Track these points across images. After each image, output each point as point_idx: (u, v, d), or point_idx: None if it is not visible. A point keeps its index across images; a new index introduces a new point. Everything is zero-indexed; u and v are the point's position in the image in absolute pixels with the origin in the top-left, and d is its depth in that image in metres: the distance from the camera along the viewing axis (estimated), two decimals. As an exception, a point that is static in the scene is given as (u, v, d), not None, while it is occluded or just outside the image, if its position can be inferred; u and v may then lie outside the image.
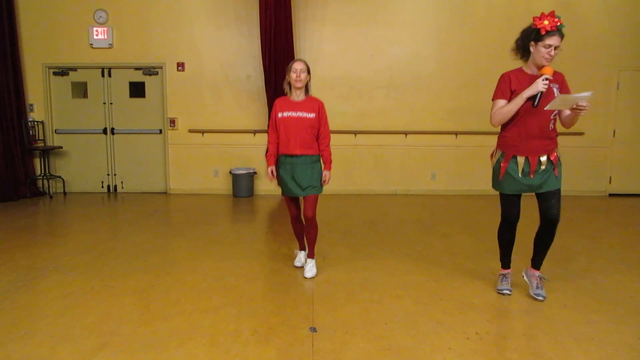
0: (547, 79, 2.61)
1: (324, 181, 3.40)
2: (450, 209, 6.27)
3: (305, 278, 3.40)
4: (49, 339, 2.42)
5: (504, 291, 3.04)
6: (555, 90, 2.74)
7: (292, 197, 3.43)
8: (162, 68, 7.22)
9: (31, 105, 7.22)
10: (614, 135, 7.46)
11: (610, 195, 7.56)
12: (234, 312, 2.81)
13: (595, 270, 3.64)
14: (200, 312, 2.80)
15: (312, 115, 3.29)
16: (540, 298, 2.97)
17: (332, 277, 3.44)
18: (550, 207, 2.88)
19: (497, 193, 3.16)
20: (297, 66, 3.26)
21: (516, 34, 2.93)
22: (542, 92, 2.61)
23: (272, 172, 3.38)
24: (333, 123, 7.49)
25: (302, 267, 3.59)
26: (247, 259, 3.91)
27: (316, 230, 3.46)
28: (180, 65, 7.21)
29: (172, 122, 7.29)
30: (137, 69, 7.27)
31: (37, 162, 7.23)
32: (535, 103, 2.63)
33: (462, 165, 7.34)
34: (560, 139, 7.55)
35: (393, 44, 7.16)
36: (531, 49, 2.73)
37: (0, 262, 3.72)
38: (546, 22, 2.66)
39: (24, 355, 2.26)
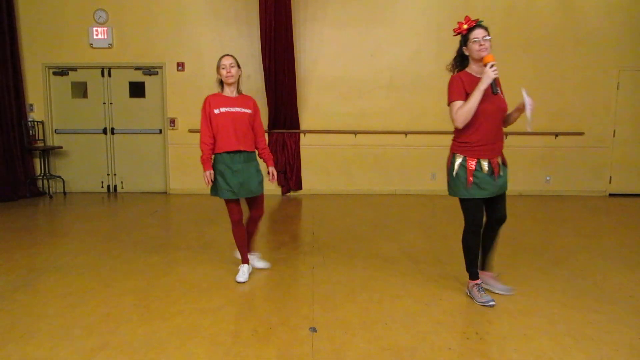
0: (493, 65, 2.69)
1: (272, 179, 3.38)
2: (450, 209, 6.27)
3: (257, 267, 3.55)
4: (49, 339, 2.42)
5: (490, 303, 2.87)
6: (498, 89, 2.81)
7: (234, 200, 3.22)
8: (162, 68, 7.22)
9: (31, 105, 7.22)
10: (614, 135, 7.46)
11: (610, 195, 7.56)
12: (234, 312, 2.81)
13: (595, 270, 3.64)
14: (200, 312, 2.80)
15: (248, 110, 3.23)
16: (510, 292, 3.05)
17: (332, 277, 3.44)
18: (502, 207, 2.95)
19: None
20: (225, 61, 3.14)
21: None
22: (496, 79, 2.69)
23: (210, 175, 3.15)
24: (333, 123, 7.57)
25: (244, 282, 3.31)
26: (247, 259, 3.91)
27: (258, 227, 3.51)
28: (180, 65, 7.21)
29: (172, 122, 7.29)
30: (137, 69, 7.27)
31: (37, 162, 7.23)
32: (495, 90, 2.71)
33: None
34: (560, 138, 7.60)
35: (393, 44, 7.16)
36: (466, 52, 2.86)
37: (0, 262, 3.72)
38: (465, 26, 2.88)
39: (24, 355, 2.26)
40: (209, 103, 3.17)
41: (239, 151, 3.17)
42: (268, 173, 3.39)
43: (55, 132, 7.33)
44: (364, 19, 7.17)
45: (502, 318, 2.74)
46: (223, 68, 3.14)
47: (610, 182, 7.57)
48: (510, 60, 7.21)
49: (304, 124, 7.35)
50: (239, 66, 3.22)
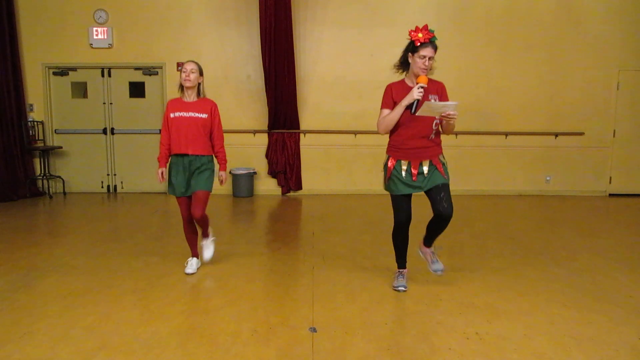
0: (421, 87, 2.80)
1: (221, 181, 3.46)
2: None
3: (205, 261, 3.57)
4: (49, 339, 2.42)
5: (399, 288, 3.12)
6: (432, 100, 2.91)
7: (183, 197, 3.39)
8: (162, 68, 7.22)
9: (31, 105, 7.22)
10: (614, 135, 7.46)
11: (610, 195, 7.56)
12: (234, 312, 2.81)
13: (595, 270, 3.64)
14: (200, 312, 2.80)
15: (204, 115, 3.33)
16: (439, 272, 3.13)
17: (332, 277, 3.44)
18: (440, 200, 2.93)
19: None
20: (187, 66, 3.31)
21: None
22: (418, 100, 2.78)
23: (161, 173, 3.39)
24: (333, 123, 7.56)
25: (192, 274, 3.46)
26: (247, 259, 3.91)
27: (207, 221, 3.50)
28: (180, 65, 7.16)
29: (172, 122, 7.28)
30: (137, 69, 7.27)
31: (37, 162, 7.23)
32: (412, 110, 2.81)
33: (461, 165, 7.33)
34: (560, 138, 7.60)
35: (393, 44, 7.11)
36: (409, 60, 2.96)
37: (0, 262, 3.72)
38: (420, 35, 2.86)
39: (24, 355, 2.26)
40: (167, 107, 3.39)
41: (187, 155, 3.30)
42: (219, 176, 3.48)
43: (55, 132, 7.33)
44: (364, 19, 7.16)
45: (502, 318, 2.74)
46: (183, 72, 3.29)
47: (610, 182, 7.56)
48: (511, 60, 7.21)
49: (304, 124, 7.35)
50: (201, 74, 3.39)
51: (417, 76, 2.88)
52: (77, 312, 2.78)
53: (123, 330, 2.53)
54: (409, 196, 3.03)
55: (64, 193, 7.29)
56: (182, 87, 3.37)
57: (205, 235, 3.59)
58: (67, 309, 2.82)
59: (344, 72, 7.25)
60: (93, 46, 7.09)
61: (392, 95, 2.95)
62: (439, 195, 2.92)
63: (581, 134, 7.38)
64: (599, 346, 2.39)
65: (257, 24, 6.87)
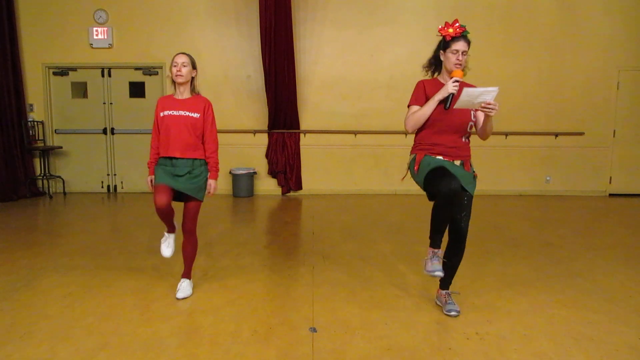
0: (456, 81, 2.63)
1: (209, 192, 3.03)
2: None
3: (177, 299, 3.00)
4: (49, 339, 2.42)
5: (436, 273, 2.65)
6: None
7: (165, 185, 2.89)
8: (162, 68, 7.22)
9: (31, 105, 7.22)
10: (614, 135, 7.46)
11: (610, 195, 7.56)
12: (234, 312, 2.81)
13: (595, 270, 3.64)
14: (200, 312, 2.80)
15: (195, 114, 2.94)
16: (454, 313, 2.78)
17: (332, 277, 3.44)
18: (460, 220, 2.73)
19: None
20: (178, 59, 2.91)
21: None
22: (453, 95, 2.60)
23: (151, 181, 3.02)
24: (333, 123, 7.57)
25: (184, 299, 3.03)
26: (246, 259, 3.91)
27: (195, 248, 3.12)
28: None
29: (172, 122, 7.28)
30: (137, 69, 7.27)
31: (37, 162, 7.23)
32: (447, 105, 2.63)
33: (462, 165, 7.34)
34: (560, 138, 7.60)
35: (393, 44, 7.15)
36: (441, 57, 2.77)
37: (0, 262, 3.72)
38: (450, 30, 2.69)
39: (24, 355, 2.26)
40: (157, 105, 3.02)
41: (176, 157, 2.93)
42: (208, 185, 3.06)
43: (55, 132, 7.33)
44: (364, 19, 7.16)
45: (502, 318, 2.74)
46: (174, 66, 2.91)
47: (610, 182, 7.57)
48: (510, 60, 7.21)
49: (304, 124, 7.35)
50: (194, 67, 2.99)
51: (450, 72, 2.69)
52: (77, 312, 2.78)
53: (123, 330, 2.53)
54: (448, 170, 2.59)
55: (64, 193, 7.29)
56: (174, 83, 2.99)
57: (187, 274, 3.17)
58: (67, 309, 2.82)
59: (344, 72, 7.25)
60: (93, 46, 7.09)
61: (424, 90, 2.73)
62: (461, 214, 2.70)
63: (581, 134, 7.38)
64: (599, 346, 2.39)
65: (257, 24, 6.87)
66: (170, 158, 2.94)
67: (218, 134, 3.14)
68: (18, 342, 2.39)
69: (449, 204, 2.53)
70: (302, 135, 7.35)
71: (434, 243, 2.71)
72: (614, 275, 3.54)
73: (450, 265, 2.83)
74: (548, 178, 7.50)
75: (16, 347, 2.34)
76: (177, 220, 3.17)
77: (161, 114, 2.97)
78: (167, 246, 3.20)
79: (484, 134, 2.76)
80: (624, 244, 4.53)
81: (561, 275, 3.51)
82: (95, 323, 2.62)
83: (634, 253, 4.18)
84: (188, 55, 2.98)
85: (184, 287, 3.08)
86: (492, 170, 7.43)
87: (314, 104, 7.32)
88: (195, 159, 2.97)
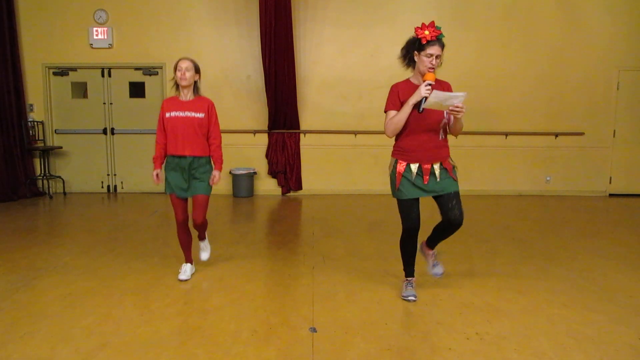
0: (429, 84, 2.69)
1: (212, 181, 3.26)
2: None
3: (202, 260, 3.59)
4: (49, 339, 2.42)
5: (409, 297, 2.99)
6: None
7: (179, 198, 3.27)
8: (162, 68, 7.22)
9: (31, 105, 7.22)
10: (614, 135, 7.46)
11: (610, 195, 7.56)
12: (234, 312, 2.81)
13: (596, 270, 3.64)
14: (200, 312, 2.80)
15: (200, 114, 3.19)
16: (438, 275, 3.12)
17: (332, 277, 3.44)
18: (452, 208, 2.86)
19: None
20: (182, 64, 3.15)
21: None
22: (425, 98, 2.67)
23: (157, 175, 3.25)
24: (333, 123, 7.56)
25: (186, 280, 3.37)
26: (247, 259, 3.91)
27: (206, 225, 3.49)
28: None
29: (172, 122, 7.28)
30: (137, 69, 7.27)
31: (37, 162, 7.22)
32: (420, 108, 2.70)
33: (461, 165, 7.29)
34: (560, 138, 7.59)
35: (393, 44, 7.10)
36: (415, 58, 2.84)
37: (0, 262, 3.72)
38: (427, 32, 2.74)
39: (24, 355, 2.26)
40: (163, 106, 3.25)
41: (184, 156, 3.18)
42: (212, 175, 3.29)
43: (55, 132, 7.33)
44: (364, 19, 7.16)
45: (502, 318, 2.74)
46: (178, 70, 3.15)
47: (610, 182, 7.56)
48: (510, 60, 7.21)
49: (304, 124, 7.35)
50: (197, 71, 3.22)
51: (423, 74, 2.77)
52: (77, 312, 2.78)
53: (123, 330, 2.53)
54: (418, 201, 2.90)
55: (64, 193, 7.29)
56: (177, 86, 3.24)
57: (202, 237, 3.59)
58: (67, 309, 2.82)
59: (344, 72, 7.25)
60: (93, 46, 7.09)
61: (398, 95, 2.84)
62: (451, 203, 2.85)
63: (581, 134, 7.38)
64: (599, 346, 2.39)
65: (257, 24, 6.87)
66: (179, 156, 3.19)
67: (219, 133, 3.31)
68: (18, 342, 2.39)
69: (410, 237, 2.96)
70: (302, 135, 7.35)
71: (408, 273, 3.09)
72: (614, 275, 3.54)
73: (443, 236, 3.04)
74: (548, 178, 7.50)
75: (16, 347, 2.34)
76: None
77: (167, 115, 3.20)
78: (202, 250, 3.64)
79: (454, 132, 2.90)
80: (624, 244, 4.52)
81: (561, 275, 3.51)
82: (95, 323, 2.63)
83: (634, 253, 4.18)
84: (191, 60, 3.19)
85: (204, 246, 3.62)
86: (492, 170, 7.43)
87: (314, 104, 7.32)
88: (202, 156, 3.23)
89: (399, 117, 2.78)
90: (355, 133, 7.34)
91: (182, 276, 3.38)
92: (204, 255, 3.61)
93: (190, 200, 3.31)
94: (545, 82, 7.29)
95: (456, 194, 2.88)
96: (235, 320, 2.69)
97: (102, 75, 7.28)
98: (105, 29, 7.05)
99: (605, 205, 6.86)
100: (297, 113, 7.22)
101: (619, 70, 7.31)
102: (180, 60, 3.17)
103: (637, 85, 7.36)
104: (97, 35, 7.04)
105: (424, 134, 2.81)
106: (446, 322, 2.68)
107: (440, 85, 2.86)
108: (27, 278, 3.36)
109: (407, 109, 2.75)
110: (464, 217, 2.88)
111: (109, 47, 7.12)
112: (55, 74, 7.24)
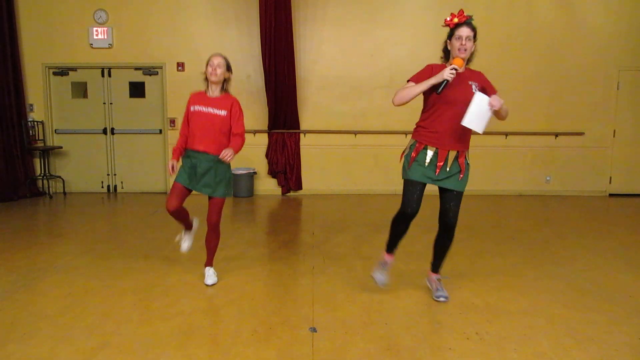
0: (454, 69, 2.63)
1: (223, 155, 3.04)
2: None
3: (207, 285, 3.24)
4: (49, 339, 2.42)
5: (377, 278, 3.02)
6: (474, 87, 2.74)
7: (182, 187, 3.14)
8: (162, 68, 7.22)
9: (31, 105, 7.22)
10: (614, 135, 7.46)
11: (610, 195, 7.56)
12: (234, 312, 2.81)
13: (596, 270, 3.64)
14: (200, 312, 2.80)
15: (223, 112, 3.13)
16: (442, 299, 2.98)
17: (332, 277, 3.44)
18: (448, 210, 2.89)
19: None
20: (214, 60, 3.11)
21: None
22: (447, 81, 2.62)
23: (172, 166, 3.15)
24: (333, 123, 7.56)
25: (213, 285, 3.28)
26: (247, 259, 3.91)
27: (218, 240, 3.31)
28: (180, 65, 7.21)
29: (172, 122, 7.28)
30: (137, 69, 7.27)
31: (37, 162, 7.22)
32: (439, 90, 2.66)
33: (462, 165, 7.34)
34: (560, 138, 7.59)
35: (393, 44, 7.15)
36: (448, 47, 2.82)
37: (0, 262, 3.72)
38: (456, 20, 2.73)
39: (24, 355, 2.26)
40: (190, 99, 3.22)
41: (200, 151, 3.12)
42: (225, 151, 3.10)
43: (55, 132, 7.32)
44: (364, 19, 7.16)
45: (502, 318, 2.74)
46: (210, 66, 3.11)
47: (610, 182, 7.56)
48: (511, 60, 7.21)
49: (304, 124, 7.35)
50: (228, 69, 3.18)
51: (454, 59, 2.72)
52: (77, 312, 2.78)
53: (123, 330, 2.53)
54: (423, 187, 2.87)
55: (64, 193, 7.29)
56: (207, 81, 3.18)
57: (210, 263, 3.40)
58: (67, 309, 2.82)
59: (344, 72, 7.25)
60: (93, 46, 7.09)
61: (430, 73, 2.75)
62: (450, 204, 2.87)
63: (581, 134, 7.38)
64: (599, 346, 2.39)
65: (257, 23, 6.87)
66: (196, 151, 3.13)
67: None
68: (18, 342, 2.39)
69: (404, 220, 2.94)
70: (302, 135, 7.34)
71: (388, 249, 3.09)
72: (614, 275, 3.54)
73: (441, 251, 3.03)
74: (548, 178, 7.50)
75: (16, 347, 2.34)
76: (196, 215, 3.48)
77: (192, 108, 3.16)
78: (184, 241, 3.51)
79: (501, 118, 2.82)
80: (624, 244, 4.53)
81: (561, 275, 3.51)
82: (95, 323, 2.63)
83: (634, 253, 4.18)
84: (224, 57, 3.16)
85: (211, 275, 3.31)
86: (492, 170, 7.42)
87: (314, 104, 7.32)
88: (217, 154, 3.09)
89: (411, 90, 2.72)
90: (355, 133, 7.34)
91: (208, 281, 3.27)
92: (185, 245, 3.49)
93: (193, 200, 3.27)
94: (545, 81, 7.29)
95: (458, 196, 2.88)
96: (235, 320, 2.69)
97: (102, 75, 7.28)
98: (105, 29, 7.04)
99: (605, 205, 6.86)
100: (297, 113, 7.21)
101: (619, 70, 7.31)
102: (212, 55, 3.14)
103: (637, 85, 7.36)
104: (97, 35, 7.04)
105: (453, 120, 2.73)
106: (446, 322, 2.68)
107: (472, 73, 2.82)
108: (27, 278, 3.36)
109: (424, 85, 2.69)
110: (456, 221, 2.92)
111: (109, 47, 7.11)
112: (55, 73, 7.24)
